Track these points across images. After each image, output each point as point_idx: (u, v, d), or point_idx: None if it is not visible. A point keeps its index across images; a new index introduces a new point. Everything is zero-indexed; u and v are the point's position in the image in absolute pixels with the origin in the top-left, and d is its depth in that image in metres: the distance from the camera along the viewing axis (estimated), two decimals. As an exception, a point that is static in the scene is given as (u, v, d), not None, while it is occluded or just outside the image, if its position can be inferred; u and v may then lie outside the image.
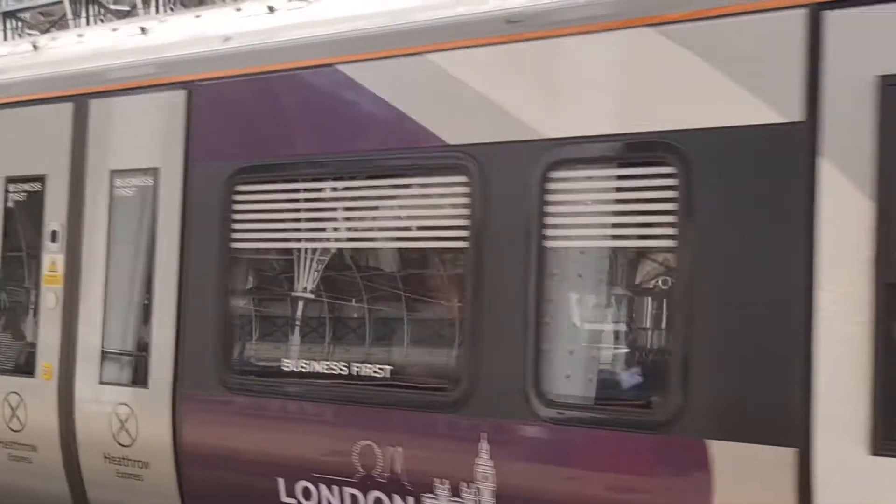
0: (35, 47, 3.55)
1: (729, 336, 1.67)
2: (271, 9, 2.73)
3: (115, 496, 2.80)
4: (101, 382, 2.85)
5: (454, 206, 2.16)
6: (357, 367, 2.30)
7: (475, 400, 1.96)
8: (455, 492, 1.94)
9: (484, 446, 1.88)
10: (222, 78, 2.63)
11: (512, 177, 1.98)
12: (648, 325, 2.18)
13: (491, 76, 2.08)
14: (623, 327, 2.15)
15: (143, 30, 3.20)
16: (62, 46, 3.51)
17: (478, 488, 1.89)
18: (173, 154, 2.70)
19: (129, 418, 2.69)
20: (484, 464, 1.89)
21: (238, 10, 2.98)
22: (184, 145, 2.68)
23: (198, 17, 3.30)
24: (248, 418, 2.53)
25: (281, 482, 2.30)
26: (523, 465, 1.94)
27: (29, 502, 3.11)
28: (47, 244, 3.04)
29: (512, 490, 1.86)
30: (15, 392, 3.06)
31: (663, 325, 2.01)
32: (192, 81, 2.67)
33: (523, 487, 1.87)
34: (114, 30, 3.52)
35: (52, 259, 3.00)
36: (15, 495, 3.09)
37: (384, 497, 2.14)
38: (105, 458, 2.77)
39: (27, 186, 3.16)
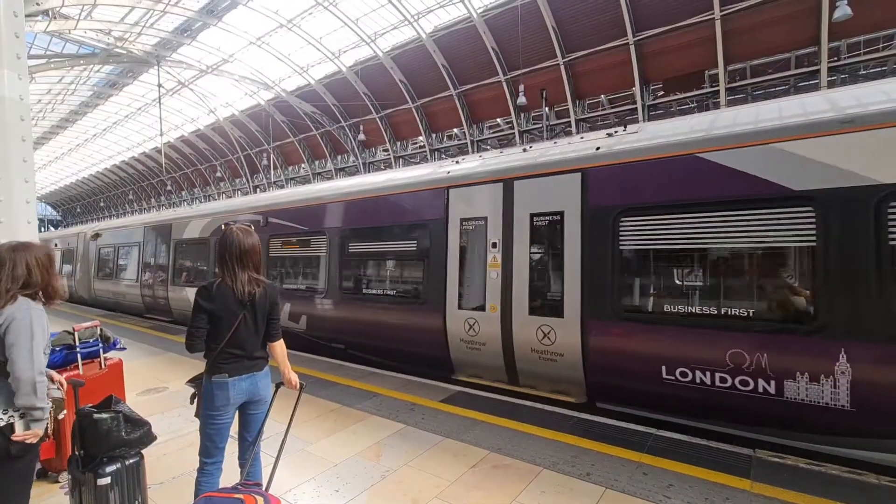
0: (524, 150, 5.90)
1: None
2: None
3: (538, 369, 5.11)
4: (530, 314, 5.14)
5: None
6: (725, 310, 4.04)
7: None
8: (814, 379, 3.55)
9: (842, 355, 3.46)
10: (600, 167, 4.84)
11: None
12: None
13: None
14: None
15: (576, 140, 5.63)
16: (542, 150, 5.79)
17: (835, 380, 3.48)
18: (574, 203, 4.92)
19: (551, 332, 4.94)
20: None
21: (609, 134, 5.26)
22: (580, 198, 4.88)
23: (581, 138, 5.67)
24: (630, 332, 4.50)
25: (662, 367, 4.19)
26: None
27: (479, 369, 5.71)
28: (490, 249, 5.53)
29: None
30: (472, 318, 5.60)
31: None
32: (584, 168, 4.93)
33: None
34: (555, 143, 5.94)
35: (494, 255, 5.49)
36: (471, 365, 5.76)
37: (749, 379, 3.79)
38: (532, 350, 5.11)
39: (475, 222, 5.73)
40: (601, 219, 4.70)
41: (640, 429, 4.21)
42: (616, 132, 5.24)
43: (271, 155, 34.31)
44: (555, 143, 5.96)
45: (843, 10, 12.27)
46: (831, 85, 15.39)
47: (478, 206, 5.72)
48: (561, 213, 4.99)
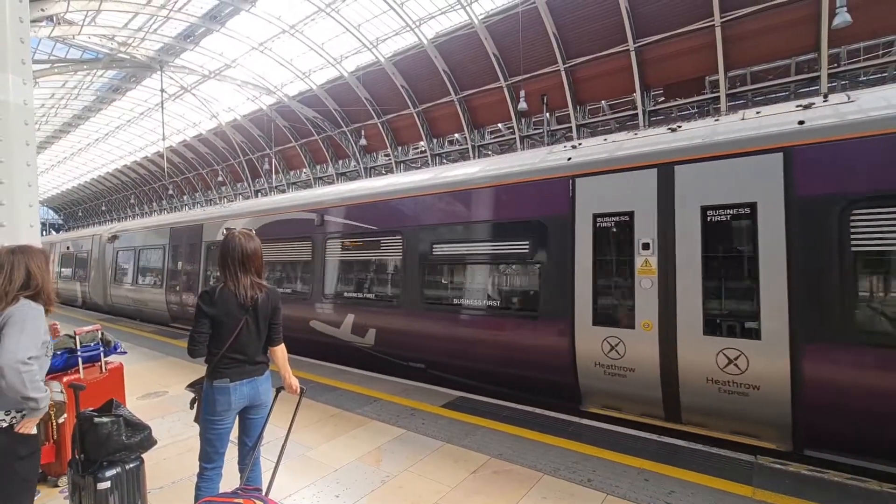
0: (672, 130, 4.90)
1: None
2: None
3: (717, 404, 4.08)
4: (706, 334, 4.09)
5: None
6: None
7: None
8: None
9: None
10: (817, 144, 3.84)
11: None
12: None
13: None
14: None
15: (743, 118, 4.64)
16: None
17: None
18: (773, 192, 3.92)
19: (739, 357, 3.94)
20: None
21: (805, 106, 4.27)
22: (783, 185, 3.89)
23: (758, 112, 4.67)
24: (879, 361, 3.49)
25: None
26: None
27: (621, 400, 4.70)
28: (640, 251, 4.52)
29: None
30: (615, 337, 4.59)
31: None
32: (789, 147, 3.93)
33: None
34: (716, 121, 4.90)
35: (646, 259, 4.49)
36: (609, 395, 4.75)
37: None
38: (708, 380, 4.08)
39: (615, 219, 4.72)
40: (820, 212, 3.73)
41: (642, 435, 4.19)
42: (811, 104, 4.25)
43: (273, 159, 34.44)
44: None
45: (843, 17, 12.33)
46: (831, 90, 15.44)
47: (619, 198, 4.70)
48: (752, 206, 4.01)
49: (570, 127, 20.84)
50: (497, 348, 5.44)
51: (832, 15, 13.05)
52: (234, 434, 2.72)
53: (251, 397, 2.62)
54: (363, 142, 26.24)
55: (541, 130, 21.77)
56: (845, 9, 12.32)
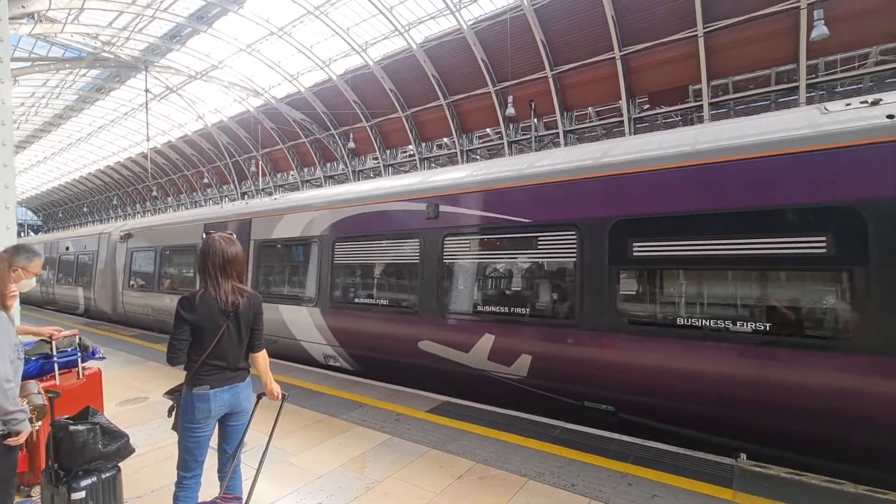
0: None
1: None
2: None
3: None
4: None
5: None
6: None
7: None
8: None
9: None
10: None
11: None
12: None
13: None
14: None
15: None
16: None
17: None
18: None
19: None
20: None
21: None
22: None
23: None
24: None
25: None
26: None
27: None
28: None
29: None
30: None
31: None
32: None
33: None
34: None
35: None
36: None
37: None
38: None
39: None
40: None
41: (626, 439, 4.23)
42: None
43: (260, 161, 34.15)
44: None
45: (820, 30, 12.70)
46: (809, 101, 15.89)
47: None
48: None
49: (558, 133, 21.06)
50: (775, 393, 3.70)
51: (810, 27, 13.43)
52: (213, 441, 2.68)
53: (231, 404, 2.58)
54: (351, 145, 26.16)
55: (529, 136, 21.96)
56: (822, 22, 12.69)
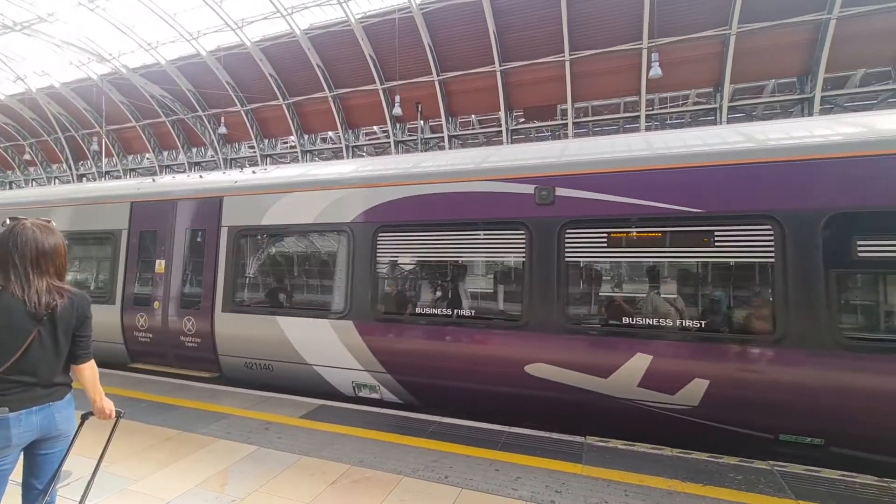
0: None
1: None
2: None
3: None
4: None
5: None
6: None
7: None
8: None
9: None
10: None
11: None
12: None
13: None
14: None
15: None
16: None
17: None
18: None
19: None
20: None
21: None
22: None
23: None
24: None
25: None
26: None
27: None
28: None
29: None
30: None
31: None
32: None
33: None
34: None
35: None
36: None
37: None
38: None
39: None
40: None
41: (496, 427, 4.52)
42: None
43: (104, 139, 29.02)
44: None
45: (655, 71, 15.21)
46: (647, 129, 18.84)
47: None
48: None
49: (443, 136, 21.73)
50: None
51: (649, 67, 15.95)
52: (17, 475, 2.18)
53: (43, 429, 2.11)
54: (223, 129, 23.70)
55: (415, 137, 22.27)
56: (658, 64, 15.18)
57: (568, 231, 4.52)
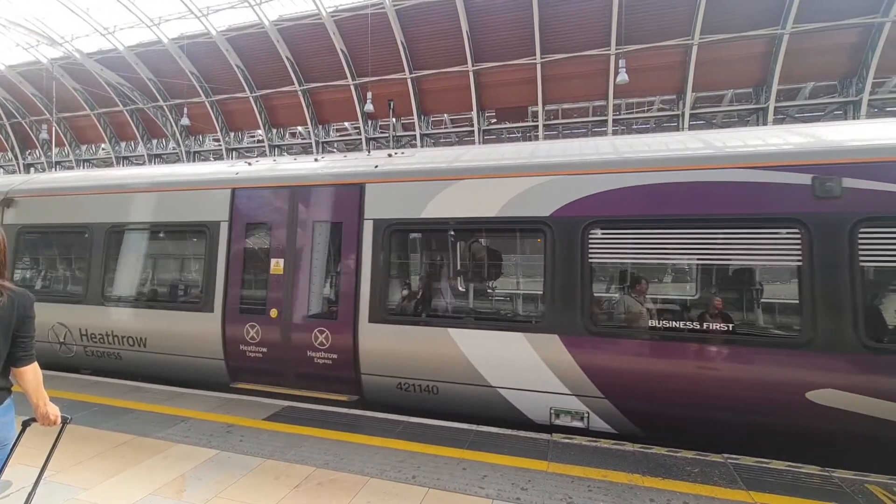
0: None
1: None
2: None
3: None
4: None
5: None
6: None
7: None
8: None
9: None
10: None
11: None
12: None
13: None
14: None
15: None
16: None
17: None
18: None
19: None
20: None
21: None
22: None
23: None
24: None
25: None
26: None
27: None
28: None
29: None
30: None
31: None
32: None
33: None
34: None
35: None
36: None
37: None
38: None
39: None
40: None
41: (464, 427, 4.53)
42: None
43: (54, 127, 27.36)
44: None
45: (622, 77, 15.65)
46: (614, 133, 19.39)
47: None
48: None
49: (415, 135, 21.65)
50: None
51: (616, 73, 16.40)
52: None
53: (-22, 436, 1.97)
54: (186, 121, 22.79)
55: (387, 135, 22.10)
56: (624, 70, 15.62)
57: (865, 229, 3.72)
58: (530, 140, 20.77)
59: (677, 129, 18.85)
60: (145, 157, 26.82)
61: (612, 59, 17.80)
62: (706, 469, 3.65)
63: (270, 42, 20.63)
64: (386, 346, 4.95)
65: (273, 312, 5.39)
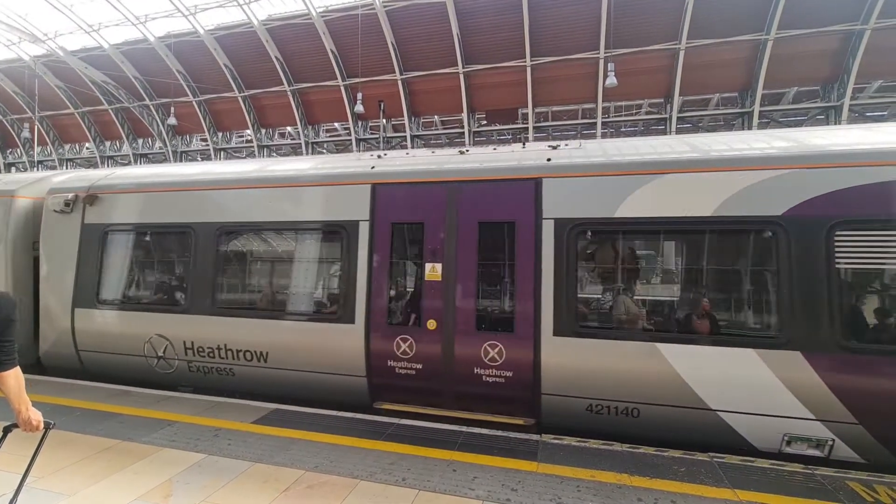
0: None
1: None
2: None
3: None
4: None
5: None
6: None
7: None
8: None
9: None
10: None
11: None
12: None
13: None
14: None
15: None
16: None
17: None
18: None
19: None
20: None
21: None
22: None
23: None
24: None
25: None
26: None
27: None
28: None
29: None
30: None
31: None
32: None
33: None
34: None
35: None
36: None
37: None
38: None
39: None
40: None
41: (453, 428, 4.54)
42: None
43: (36, 125, 26.83)
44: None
45: (611, 80, 15.82)
46: (603, 136, 19.58)
47: None
48: None
49: (406, 136, 21.63)
50: None
51: (606, 76, 16.57)
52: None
53: (-42, 443, 1.92)
54: (172, 121, 22.49)
55: (377, 136, 22.05)
56: (613, 74, 15.79)
57: None
58: (520, 142, 20.88)
59: (664, 132, 19.12)
60: (130, 156, 26.41)
61: (601, 62, 17.99)
62: (693, 468, 3.70)
63: (259, 42, 20.47)
64: (576, 362, 4.41)
65: (431, 324, 4.84)
